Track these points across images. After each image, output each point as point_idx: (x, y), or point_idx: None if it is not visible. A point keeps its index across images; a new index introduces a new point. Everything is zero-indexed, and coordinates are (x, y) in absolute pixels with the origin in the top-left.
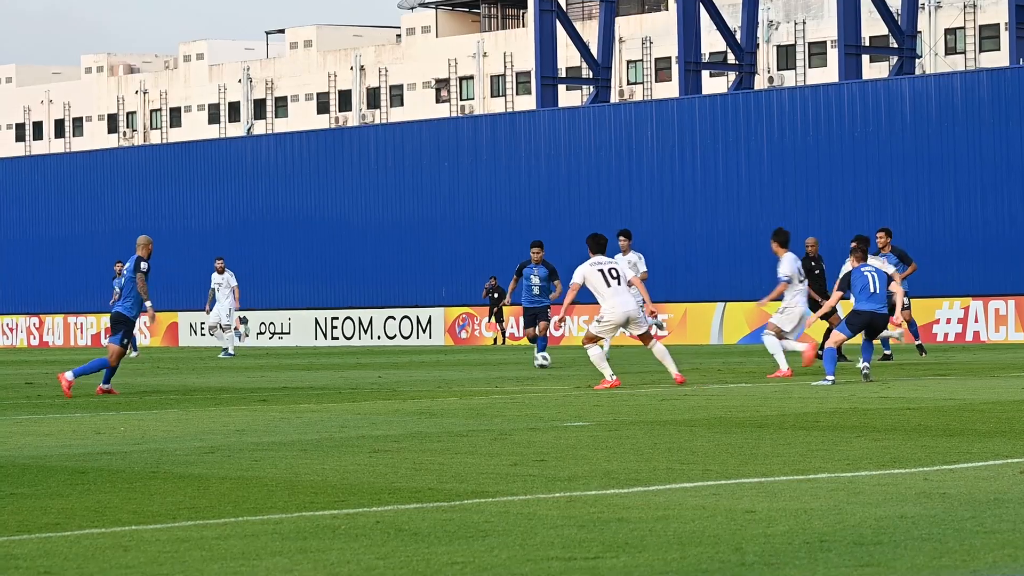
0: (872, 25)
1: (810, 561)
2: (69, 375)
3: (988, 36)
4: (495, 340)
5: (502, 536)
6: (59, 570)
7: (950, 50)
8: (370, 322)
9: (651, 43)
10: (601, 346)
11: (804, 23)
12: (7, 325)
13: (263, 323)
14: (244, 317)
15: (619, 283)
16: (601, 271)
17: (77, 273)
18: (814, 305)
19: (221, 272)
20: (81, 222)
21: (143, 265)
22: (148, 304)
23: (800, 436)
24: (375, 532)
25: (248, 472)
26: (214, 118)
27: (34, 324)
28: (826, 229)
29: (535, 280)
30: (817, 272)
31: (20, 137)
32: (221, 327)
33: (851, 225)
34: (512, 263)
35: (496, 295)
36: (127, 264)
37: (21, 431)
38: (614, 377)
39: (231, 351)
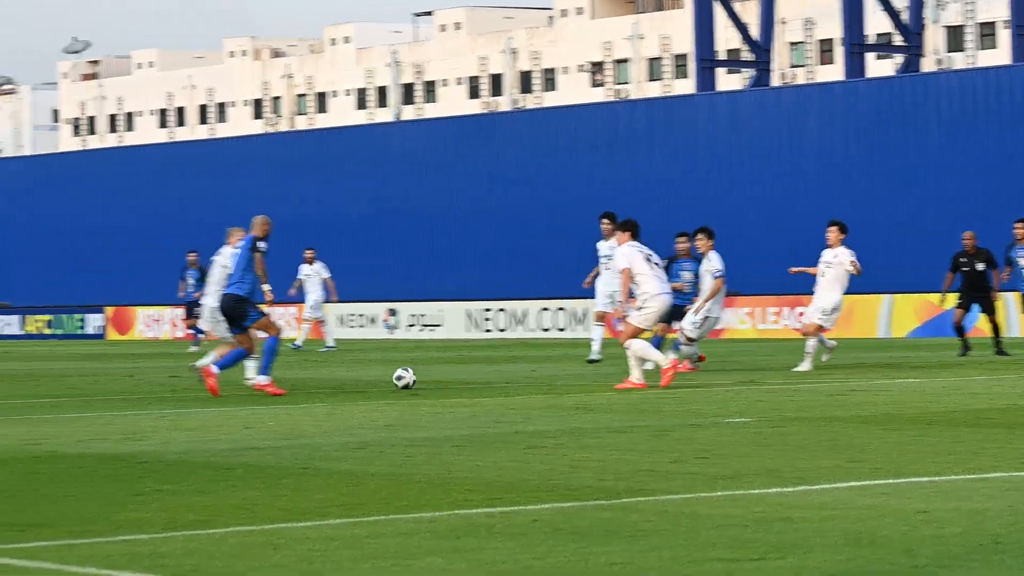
0: None
1: (984, 564)
2: (215, 368)
3: None
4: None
5: (663, 536)
6: (206, 568)
7: None
8: (524, 314)
9: (813, 24)
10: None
11: (974, 2)
12: (152, 317)
13: (413, 315)
14: (393, 309)
15: (659, 269)
16: (645, 256)
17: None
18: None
19: (311, 263)
20: (226, 209)
21: (261, 245)
22: (267, 287)
23: (971, 433)
24: (532, 531)
25: (400, 469)
26: (362, 103)
27: (179, 315)
28: (996, 219)
29: None
30: (967, 269)
31: (163, 123)
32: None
33: None
34: (671, 252)
35: None
36: (239, 245)
37: (167, 426)
38: (642, 379)
39: (326, 344)
